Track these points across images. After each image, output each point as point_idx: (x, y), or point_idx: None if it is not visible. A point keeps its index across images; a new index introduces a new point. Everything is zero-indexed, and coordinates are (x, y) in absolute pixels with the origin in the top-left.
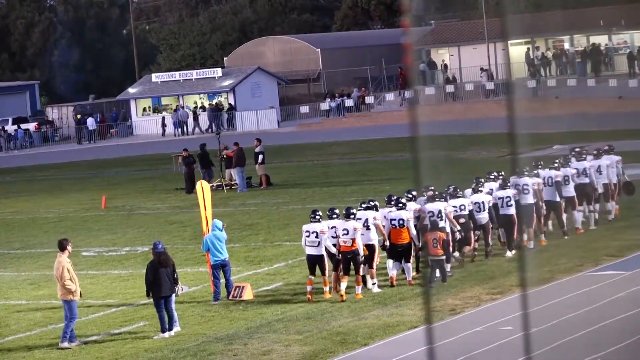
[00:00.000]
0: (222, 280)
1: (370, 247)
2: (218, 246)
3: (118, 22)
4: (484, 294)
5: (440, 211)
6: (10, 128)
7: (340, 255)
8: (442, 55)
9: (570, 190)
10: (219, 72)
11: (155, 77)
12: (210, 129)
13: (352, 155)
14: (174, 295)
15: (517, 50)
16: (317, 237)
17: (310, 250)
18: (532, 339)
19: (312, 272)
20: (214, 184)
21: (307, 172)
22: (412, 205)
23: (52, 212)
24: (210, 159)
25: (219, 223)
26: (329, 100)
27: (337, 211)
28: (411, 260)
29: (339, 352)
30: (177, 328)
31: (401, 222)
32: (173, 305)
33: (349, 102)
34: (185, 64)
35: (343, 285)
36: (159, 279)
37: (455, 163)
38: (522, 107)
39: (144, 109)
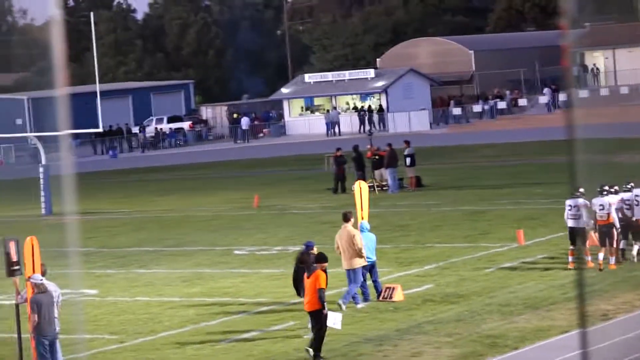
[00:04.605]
0: (369, 282)
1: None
2: (369, 247)
3: (272, 22)
4: (637, 300)
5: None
6: (165, 127)
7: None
8: (597, 58)
9: None
10: (371, 73)
11: (308, 78)
12: (362, 129)
13: (503, 157)
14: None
15: None
16: (578, 210)
17: (572, 223)
18: None
19: (573, 243)
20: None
21: (458, 174)
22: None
23: (205, 210)
24: (363, 161)
25: (367, 224)
26: (482, 102)
27: (607, 187)
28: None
29: (489, 355)
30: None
31: None
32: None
33: (501, 105)
34: (337, 64)
35: (600, 255)
36: (301, 279)
37: (610, 167)
38: None
39: (302, 108)
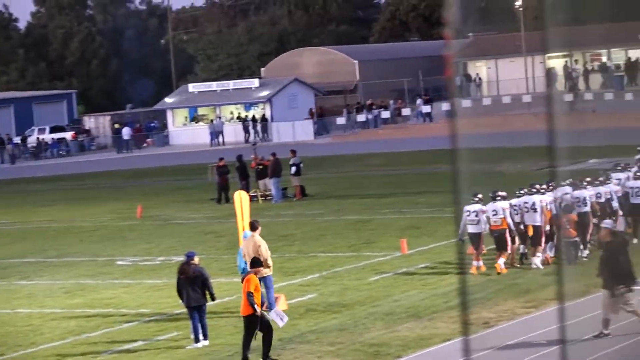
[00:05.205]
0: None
1: (536, 228)
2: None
3: (156, 32)
4: (519, 308)
5: (585, 198)
6: (48, 137)
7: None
8: (479, 68)
9: None
10: (256, 82)
11: (192, 87)
12: (247, 139)
13: (387, 167)
14: (205, 306)
15: (555, 64)
16: (476, 215)
17: (471, 229)
18: (567, 352)
19: (476, 248)
20: (249, 194)
21: (342, 183)
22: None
23: (88, 220)
24: (247, 170)
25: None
26: (366, 111)
27: (500, 193)
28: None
29: None
30: (204, 342)
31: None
32: (204, 316)
33: (385, 114)
34: (222, 74)
35: (501, 261)
36: (184, 289)
37: (493, 175)
38: (559, 120)
39: (186, 118)
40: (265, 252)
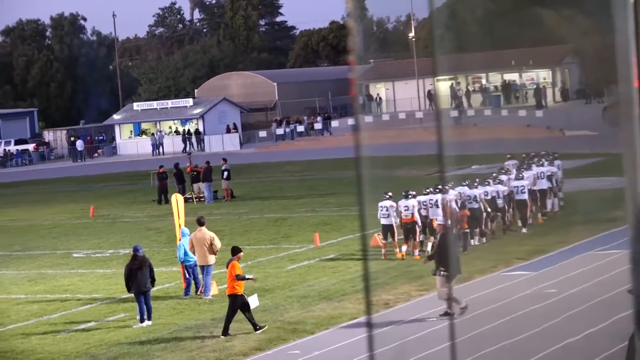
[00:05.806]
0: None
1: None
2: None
3: (105, 59)
4: (413, 290)
5: (475, 196)
6: (13, 148)
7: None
8: (379, 89)
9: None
10: (190, 102)
11: (137, 106)
12: (184, 150)
13: (302, 173)
14: (150, 291)
15: (443, 85)
16: (387, 210)
17: (384, 221)
18: (456, 327)
19: (385, 238)
20: (185, 196)
21: (264, 187)
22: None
23: (48, 219)
24: (183, 176)
25: (187, 230)
26: (284, 126)
27: (411, 192)
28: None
29: (291, 340)
30: (148, 322)
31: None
32: (149, 300)
33: (300, 128)
34: (162, 94)
35: (404, 248)
36: (136, 277)
37: (391, 179)
38: (446, 133)
39: (131, 132)
40: (218, 243)
